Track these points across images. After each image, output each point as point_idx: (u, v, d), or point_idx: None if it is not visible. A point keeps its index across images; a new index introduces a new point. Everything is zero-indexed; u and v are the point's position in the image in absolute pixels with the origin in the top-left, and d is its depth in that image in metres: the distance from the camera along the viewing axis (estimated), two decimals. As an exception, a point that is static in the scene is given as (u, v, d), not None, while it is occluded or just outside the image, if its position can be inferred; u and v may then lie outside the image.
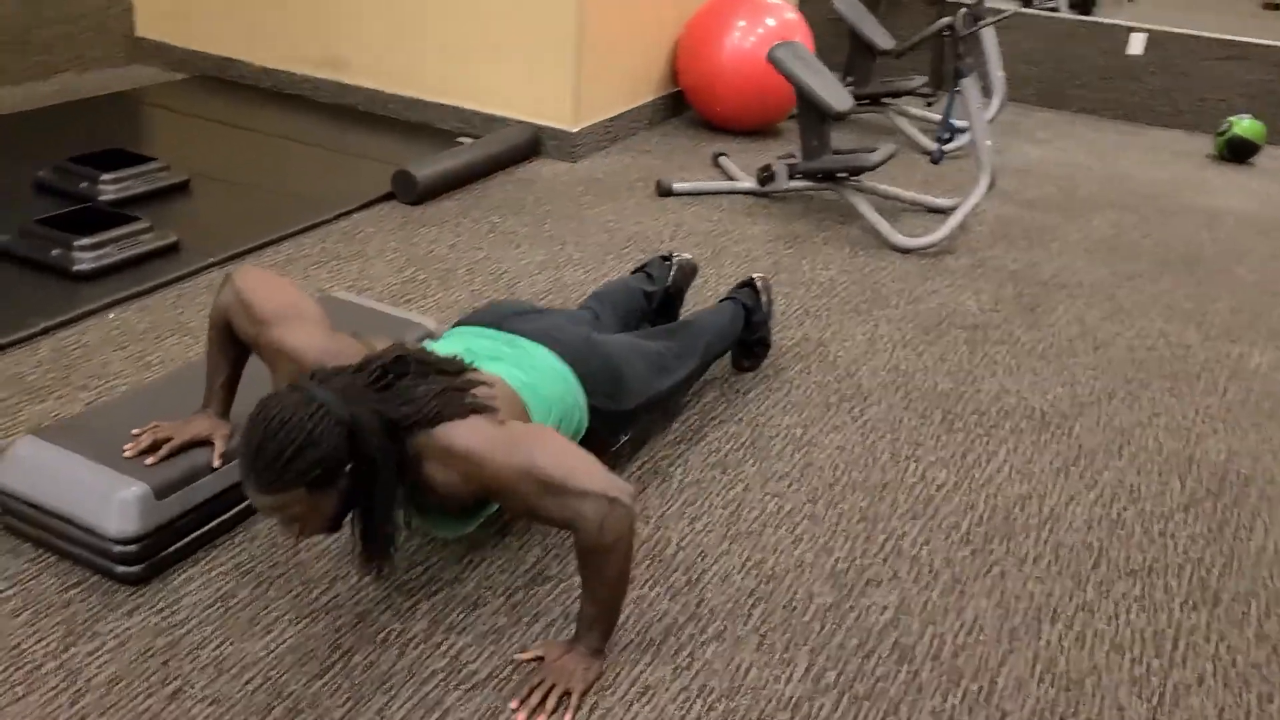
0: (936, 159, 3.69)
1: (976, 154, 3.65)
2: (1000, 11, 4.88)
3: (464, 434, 1.64)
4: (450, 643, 1.78)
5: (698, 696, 1.72)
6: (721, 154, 4.22)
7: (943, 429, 2.54)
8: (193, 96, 4.45)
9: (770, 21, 4.43)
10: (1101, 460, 2.48)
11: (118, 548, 1.78)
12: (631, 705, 1.69)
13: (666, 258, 2.73)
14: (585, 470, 1.64)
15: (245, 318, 1.84)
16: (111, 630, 1.73)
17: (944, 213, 3.85)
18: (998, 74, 4.69)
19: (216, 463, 1.93)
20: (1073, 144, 5.00)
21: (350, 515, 1.65)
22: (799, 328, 2.97)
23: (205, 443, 1.96)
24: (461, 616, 1.84)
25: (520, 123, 4.13)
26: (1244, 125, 4.89)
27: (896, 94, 4.67)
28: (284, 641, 1.74)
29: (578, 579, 1.71)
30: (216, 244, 3.07)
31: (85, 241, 2.81)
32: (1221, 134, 4.93)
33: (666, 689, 1.73)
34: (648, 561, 2.01)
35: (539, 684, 1.69)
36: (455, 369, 1.75)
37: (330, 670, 1.70)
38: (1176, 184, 4.53)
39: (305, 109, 4.39)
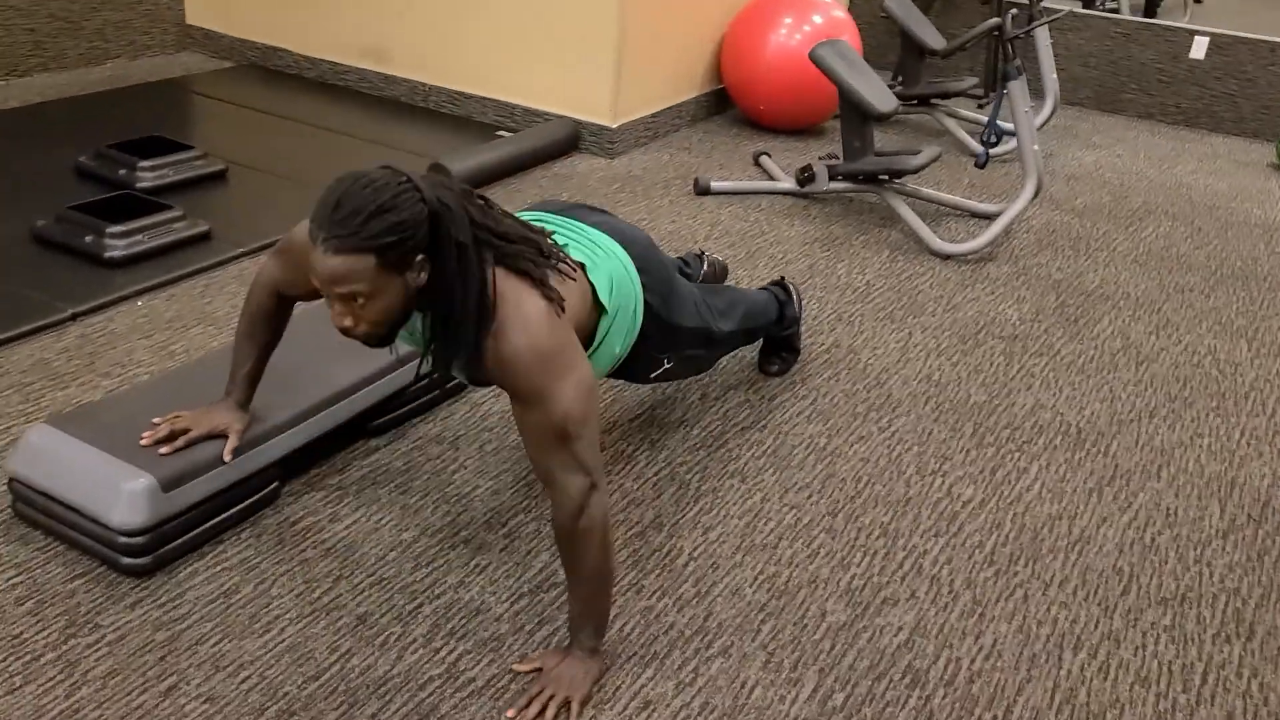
0: (981, 163, 3.59)
1: (1022, 159, 3.55)
2: (1054, 12, 4.77)
3: (520, 331, 1.55)
4: (450, 649, 1.75)
5: (699, 714, 1.68)
6: (763, 153, 4.16)
7: (973, 443, 2.47)
8: (238, 85, 4.48)
9: (817, 19, 4.35)
10: (1138, 481, 2.39)
11: (123, 539, 1.78)
12: (630, 720, 1.66)
13: (700, 255, 2.70)
14: (591, 443, 1.60)
15: (288, 261, 1.80)
16: (113, 623, 1.73)
17: (988, 218, 3.76)
18: (1051, 76, 4.57)
19: (228, 457, 1.92)
20: (1128, 150, 4.86)
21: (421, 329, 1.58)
22: (830, 333, 2.90)
23: (223, 435, 1.95)
24: (463, 622, 1.81)
25: (560, 117, 4.10)
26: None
27: (946, 95, 4.57)
28: (283, 641, 1.73)
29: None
30: (248, 234, 3.07)
31: (117, 229, 2.82)
32: (1285, 143, 4.77)
33: (668, 705, 1.69)
34: (657, 571, 1.97)
35: (538, 693, 1.66)
36: (539, 233, 1.69)
37: (326, 672, 1.68)
38: (1235, 194, 4.39)
39: (348, 100, 4.40)
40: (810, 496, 2.23)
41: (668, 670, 1.75)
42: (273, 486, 2.03)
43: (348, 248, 1.43)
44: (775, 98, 4.41)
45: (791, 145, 4.42)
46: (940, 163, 4.36)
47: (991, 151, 3.88)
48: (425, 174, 1.55)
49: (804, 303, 3.02)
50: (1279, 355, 3.02)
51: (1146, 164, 4.67)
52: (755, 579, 1.98)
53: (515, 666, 1.73)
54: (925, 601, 1.97)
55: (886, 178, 3.58)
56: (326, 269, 1.46)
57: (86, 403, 2.17)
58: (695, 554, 2.03)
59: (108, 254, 2.80)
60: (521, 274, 1.60)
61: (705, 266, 2.66)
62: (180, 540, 1.86)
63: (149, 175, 3.26)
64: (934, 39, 4.54)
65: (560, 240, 1.83)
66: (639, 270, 1.94)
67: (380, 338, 1.56)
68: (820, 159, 3.72)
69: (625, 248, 1.93)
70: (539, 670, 1.71)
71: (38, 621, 1.72)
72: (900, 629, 1.90)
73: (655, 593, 1.92)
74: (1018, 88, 3.53)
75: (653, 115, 4.28)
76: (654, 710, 1.68)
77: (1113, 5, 5.93)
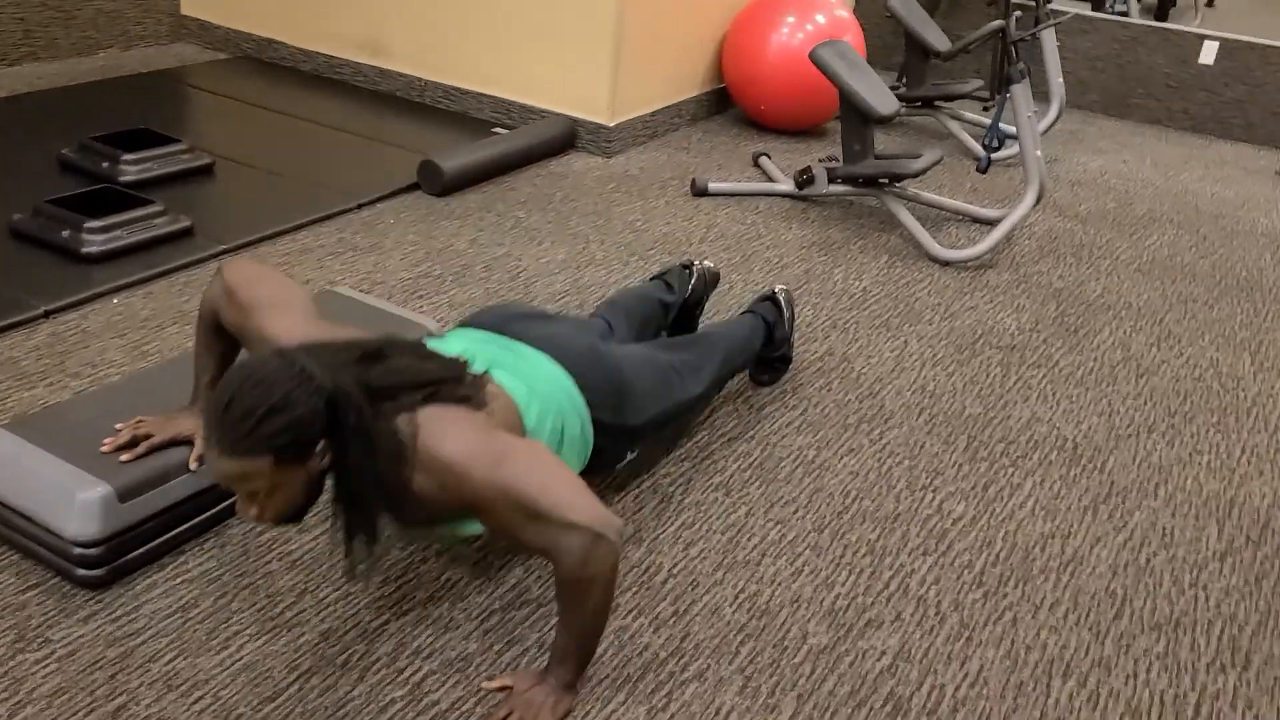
0: (983, 167, 3.52)
1: (1025, 164, 3.48)
2: (1059, 14, 4.69)
3: (451, 439, 1.52)
4: (414, 668, 1.69)
5: (670, 742, 1.62)
6: (763, 154, 4.09)
7: (965, 457, 2.40)
8: (231, 77, 4.42)
9: (820, 19, 4.28)
10: (1134, 499, 2.32)
11: (77, 550, 1.72)
12: (598, 747, 1.60)
13: (687, 266, 2.61)
14: (573, 499, 1.53)
15: (231, 307, 1.76)
16: (64, 638, 1.67)
17: (989, 224, 3.68)
18: (1057, 80, 4.49)
19: (193, 464, 1.87)
20: (1134, 155, 4.78)
21: (331, 515, 1.56)
22: (824, 341, 2.84)
23: (187, 441, 1.89)
24: (430, 640, 1.75)
25: (556, 115, 4.03)
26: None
27: (949, 97, 4.49)
28: (240, 659, 1.67)
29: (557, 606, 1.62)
30: (232, 230, 3.01)
31: (95, 224, 2.76)
32: (1294, 150, 4.69)
33: (638, 731, 1.63)
34: (634, 589, 1.90)
35: (504, 716, 1.60)
36: (455, 366, 1.66)
37: (284, 694, 1.62)
38: (1242, 202, 4.31)
39: (343, 94, 4.34)
40: (796, 511, 2.16)
41: (640, 695, 1.69)
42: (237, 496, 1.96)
43: (241, 450, 1.39)
44: (777, 98, 4.34)
45: (792, 146, 4.35)
46: (942, 166, 4.29)
47: (994, 156, 3.81)
48: (321, 347, 1.50)
49: (798, 309, 2.95)
50: (1284, 370, 2.95)
51: (1152, 170, 4.60)
52: (735, 598, 1.91)
53: (484, 684, 1.67)
54: (910, 624, 1.90)
55: (886, 181, 3.51)
56: (223, 472, 1.43)
57: (50, 405, 2.11)
58: (675, 570, 1.97)
59: (85, 249, 2.74)
60: (442, 403, 1.57)
61: (694, 278, 2.58)
62: (138, 551, 1.79)
63: (132, 169, 3.20)
64: (938, 40, 4.46)
65: (492, 368, 1.77)
66: (581, 389, 1.88)
67: (292, 519, 1.54)
68: (820, 161, 3.65)
69: (565, 364, 1.87)
70: (508, 689, 1.65)
71: (-12, 634, 1.67)
72: (884, 653, 1.83)
73: (631, 612, 1.85)
74: (1021, 91, 3.46)
75: (651, 114, 4.21)
76: (623, 737, 1.62)
77: (1121, 8, 5.85)
